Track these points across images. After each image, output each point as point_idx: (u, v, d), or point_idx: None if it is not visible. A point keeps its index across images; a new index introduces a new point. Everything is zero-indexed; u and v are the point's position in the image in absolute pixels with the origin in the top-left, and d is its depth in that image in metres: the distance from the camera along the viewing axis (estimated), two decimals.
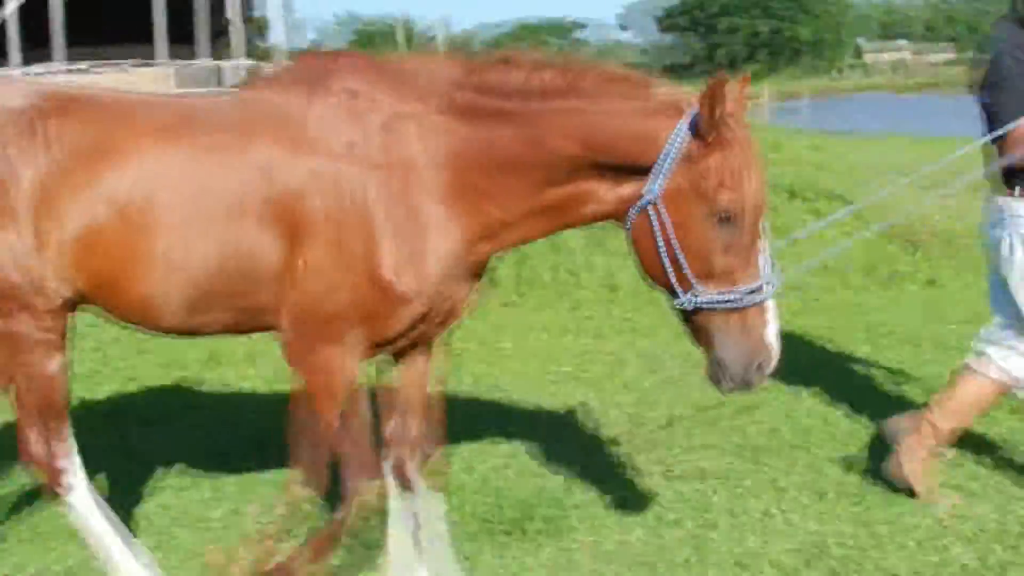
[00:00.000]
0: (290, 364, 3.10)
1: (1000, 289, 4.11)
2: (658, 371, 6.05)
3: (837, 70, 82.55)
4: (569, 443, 4.84)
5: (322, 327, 2.97)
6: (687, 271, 2.81)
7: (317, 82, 3.00)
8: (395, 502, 3.35)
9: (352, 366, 3.05)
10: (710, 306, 2.84)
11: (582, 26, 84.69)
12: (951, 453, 4.36)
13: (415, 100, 2.94)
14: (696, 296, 2.84)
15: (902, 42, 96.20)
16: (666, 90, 2.90)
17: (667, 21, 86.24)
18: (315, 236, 2.90)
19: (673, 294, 2.88)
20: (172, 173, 2.97)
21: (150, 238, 2.94)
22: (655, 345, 6.66)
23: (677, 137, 2.76)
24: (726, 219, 2.78)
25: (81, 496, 3.17)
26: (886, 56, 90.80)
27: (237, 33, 21.06)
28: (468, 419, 4.89)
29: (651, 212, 2.82)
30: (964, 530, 3.89)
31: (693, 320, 2.93)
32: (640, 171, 2.81)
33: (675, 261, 2.82)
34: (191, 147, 2.98)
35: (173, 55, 19.87)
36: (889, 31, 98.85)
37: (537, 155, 2.87)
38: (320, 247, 2.90)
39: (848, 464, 4.53)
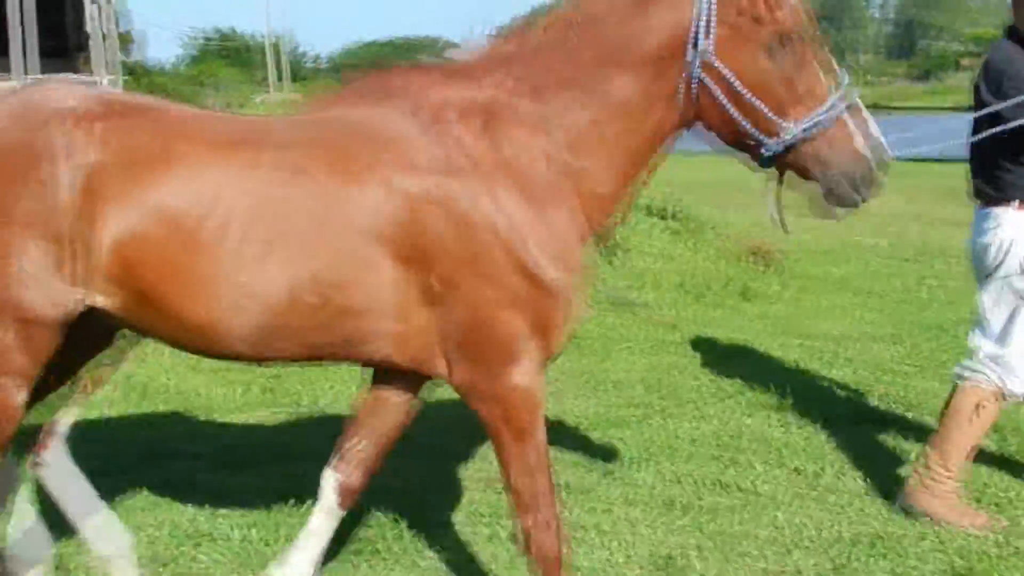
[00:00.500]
0: (472, 399, 2.92)
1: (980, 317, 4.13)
2: None
3: None
4: (422, 459, 4.82)
5: (499, 349, 2.81)
6: (769, 114, 2.73)
7: (402, 98, 2.87)
8: (319, 518, 3.27)
9: (542, 378, 2.91)
10: (802, 136, 2.76)
11: (456, 45, 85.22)
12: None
13: (491, 89, 2.85)
14: (784, 135, 2.76)
15: None
16: None
17: None
18: (447, 257, 2.74)
19: (760, 146, 2.80)
20: (253, 191, 2.76)
21: (221, 259, 2.70)
22: None
23: None
24: (782, 42, 2.73)
25: None
26: None
27: (98, 48, 20.33)
28: (297, 440, 4.85)
29: (707, 77, 2.74)
30: (803, 537, 4.01)
31: (785, 162, 2.86)
32: (680, 48, 2.74)
33: (753, 110, 2.74)
34: (273, 165, 2.77)
35: (31, 69, 19.05)
36: None
37: (608, 103, 2.81)
38: (458, 267, 2.74)
39: (694, 477, 4.64)
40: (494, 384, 2.84)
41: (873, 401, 5.67)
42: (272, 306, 2.72)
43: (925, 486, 4.07)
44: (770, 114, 2.73)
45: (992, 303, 4.02)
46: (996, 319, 4.01)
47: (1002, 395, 4.00)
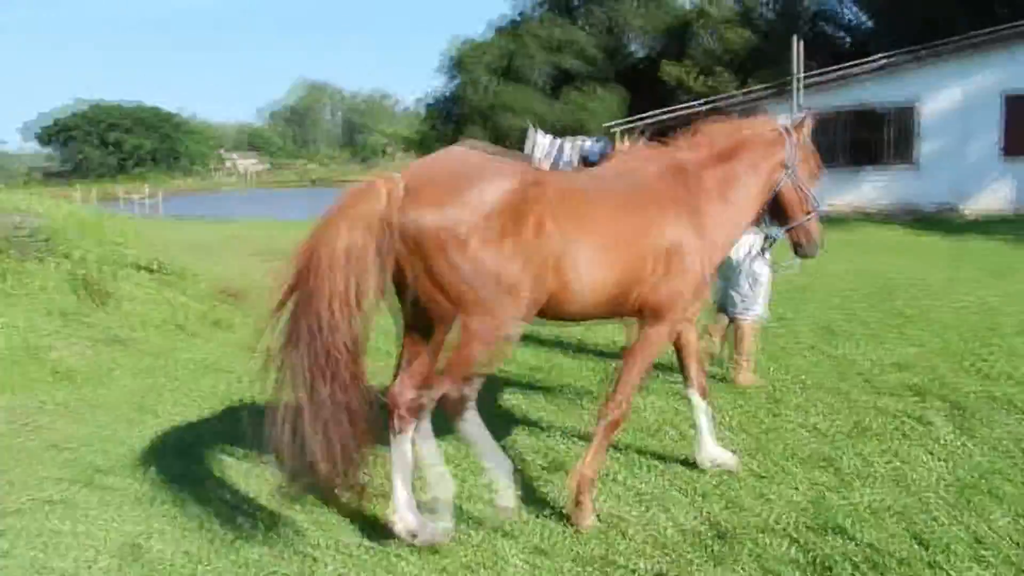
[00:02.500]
0: (648, 326, 3.83)
1: (734, 280, 5.73)
2: None
3: (209, 172, 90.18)
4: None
5: (675, 305, 3.80)
6: (813, 201, 4.30)
7: (660, 161, 3.98)
8: (699, 416, 4.38)
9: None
10: (816, 215, 4.32)
11: None
12: None
13: (698, 160, 4.01)
14: (813, 213, 4.31)
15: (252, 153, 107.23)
16: (771, 123, 4.30)
17: (63, 135, 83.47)
18: (675, 256, 3.75)
19: (802, 215, 4.26)
20: (619, 216, 3.64)
21: (599, 262, 3.53)
22: None
23: (792, 142, 4.20)
24: (815, 176, 4.36)
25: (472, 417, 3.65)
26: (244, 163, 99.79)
27: None
28: None
29: (791, 178, 4.20)
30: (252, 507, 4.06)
31: (799, 229, 4.30)
32: (780, 163, 4.18)
33: (809, 197, 4.28)
34: (623, 200, 3.71)
35: None
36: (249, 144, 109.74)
37: (753, 179, 4.11)
38: (677, 261, 3.75)
39: (165, 475, 4.54)
40: (662, 321, 3.82)
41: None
42: (620, 283, 3.62)
43: (742, 369, 5.80)
44: (807, 204, 4.26)
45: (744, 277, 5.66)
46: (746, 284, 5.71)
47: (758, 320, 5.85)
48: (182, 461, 4.75)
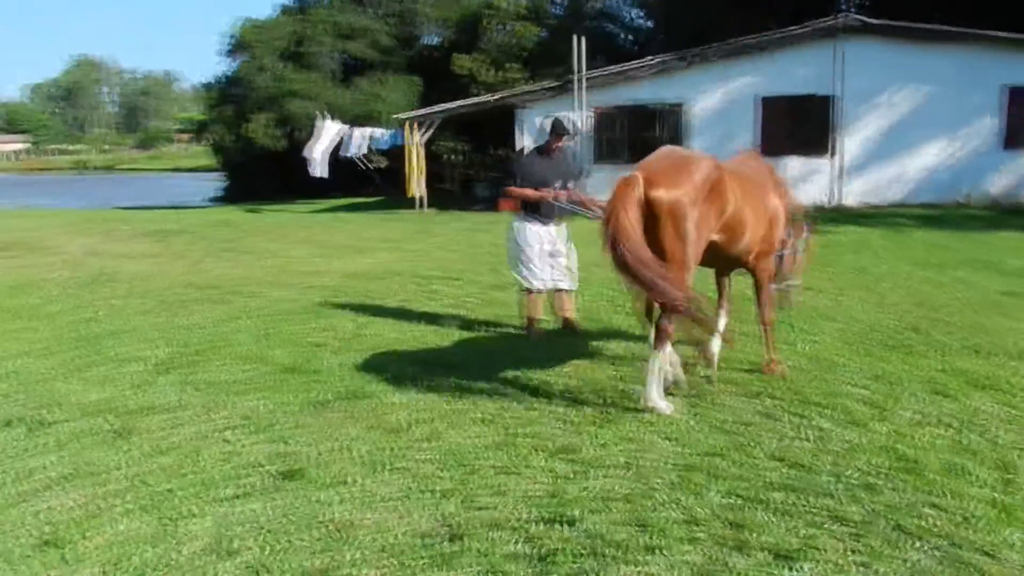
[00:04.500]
0: (757, 271, 5.78)
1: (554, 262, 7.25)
2: None
3: None
4: None
5: (771, 253, 5.81)
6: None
7: (761, 160, 6.16)
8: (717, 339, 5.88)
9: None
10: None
11: None
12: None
13: (767, 168, 6.01)
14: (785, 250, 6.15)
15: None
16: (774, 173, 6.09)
17: None
18: (776, 222, 5.67)
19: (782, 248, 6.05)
20: (756, 195, 5.42)
21: (749, 225, 5.27)
22: None
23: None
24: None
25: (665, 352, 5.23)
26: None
27: None
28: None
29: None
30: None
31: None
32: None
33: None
34: (753, 185, 5.45)
35: None
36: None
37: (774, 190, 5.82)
38: (773, 226, 5.64)
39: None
40: (768, 264, 5.81)
41: (16, 407, 5.51)
42: (752, 238, 5.41)
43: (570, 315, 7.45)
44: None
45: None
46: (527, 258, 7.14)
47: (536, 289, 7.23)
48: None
